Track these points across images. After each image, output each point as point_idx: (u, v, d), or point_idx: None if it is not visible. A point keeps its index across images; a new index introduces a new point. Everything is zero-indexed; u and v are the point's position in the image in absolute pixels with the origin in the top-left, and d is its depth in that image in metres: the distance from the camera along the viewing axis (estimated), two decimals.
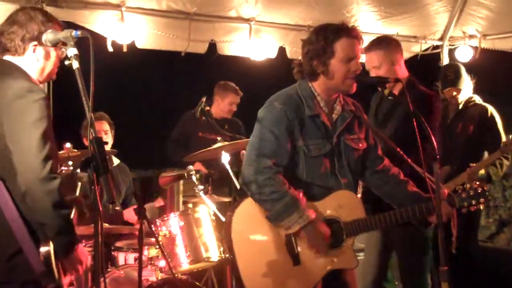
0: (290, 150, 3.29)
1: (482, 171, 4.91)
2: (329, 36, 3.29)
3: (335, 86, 3.36)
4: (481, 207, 3.45)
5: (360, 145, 3.48)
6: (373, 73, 4.12)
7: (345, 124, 3.42)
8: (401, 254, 4.26)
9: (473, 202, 3.38)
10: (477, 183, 3.42)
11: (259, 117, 3.36)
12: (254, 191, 3.25)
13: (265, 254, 3.28)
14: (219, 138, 4.97)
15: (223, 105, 6.36)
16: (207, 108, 5.91)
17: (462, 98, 5.29)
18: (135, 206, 5.14)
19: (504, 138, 5.14)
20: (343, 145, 3.41)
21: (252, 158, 3.28)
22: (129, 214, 5.19)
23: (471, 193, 3.38)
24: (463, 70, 5.32)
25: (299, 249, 3.28)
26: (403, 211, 3.35)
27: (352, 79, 3.33)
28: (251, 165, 3.26)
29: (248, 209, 3.34)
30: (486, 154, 5.17)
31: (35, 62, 3.02)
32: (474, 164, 4.80)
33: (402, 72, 4.20)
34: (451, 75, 5.30)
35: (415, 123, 3.23)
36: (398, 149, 3.50)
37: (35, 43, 2.99)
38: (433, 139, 3.17)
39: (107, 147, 5.21)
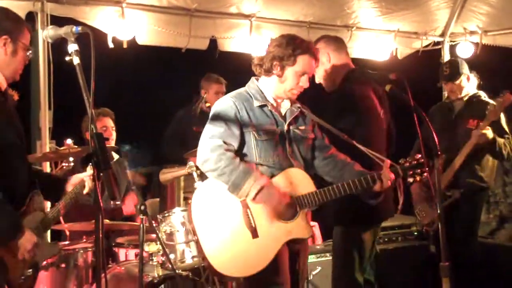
0: (241, 135, 3.61)
1: (490, 134, 4.95)
2: (297, 48, 3.63)
3: (282, 89, 3.69)
4: (424, 177, 3.62)
5: (308, 135, 3.81)
6: (316, 80, 4.30)
7: (294, 116, 3.75)
8: (335, 253, 4.33)
9: (417, 171, 3.61)
10: (419, 156, 3.60)
11: (213, 108, 3.70)
12: (211, 167, 3.54)
13: (225, 231, 3.53)
14: None
15: (209, 97, 6.38)
16: (208, 104, 5.97)
17: (465, 93, 5.30)
18: (132, 195, 5.14)
19: (507, 130, 5.15)
20: (292, 134, 3.73)
21: (205, 140, 3.59)
22: (127, 207, 5.17)
23: (414, 163, 3.62)
24: (461, 65, 5.32)
25: (256, 222, 3.53)
26: (350, 182, 3.58)
27: (298, 90, 3.68)
28: (205, 145, 3.57)
29: (204, 190, 3.64)
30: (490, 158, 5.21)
31: (2, 55, 3.15)
32: (479, 124, 4.94)
33: (342, 66, 4.25)
34: (447, 70, 5.34)
35: (415, 118, 3.26)
36: (344, 135, 3.73)
37: (6, 37, 3.13)
38: (435, 135, 3.19)
39: (112, 143, 5.21)
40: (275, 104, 3.74)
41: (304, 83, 3.68)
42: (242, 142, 3.63)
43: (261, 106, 3.69)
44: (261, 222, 3.54)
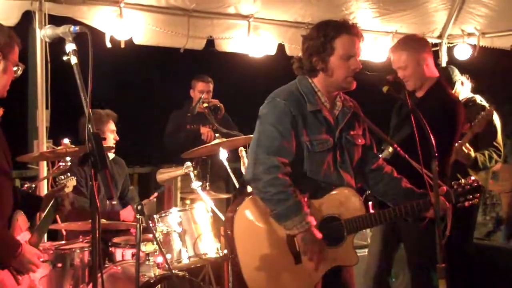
0: (295, 146, 3.29)
1: (472, 154, 4.91)
2: (329, 33, 3.28)
3: (335, 83, 3.36)
4: (476, 202, 3.47)
5: (360, 140, 3.48)
6: (400, 74, 4.16)
7: (346, 119, 3.42)
8: (411, 249, 4.30)
9: (469, 197, 3.41)
10: (472, 178, 3.45)
11: (262, 113, 3.36)
12: (259, 189, 3.25)
13: (266, 252, 3.29)
14: (217, 135, 4.99)
15: (194, 94, 6.45)
16: (206, 104, 6.00)
17: (461, 98, 5.30)
18: (131, 209, 5.16)
19: (500, 135, 5.14)
20: (344, 140, 3.41)
21: (259, 156, 3.26)
22: (126, 213, 5.17)
23: (467, 188, 3.40)
24: (453, 72, 5.30)
25: (300, 247, 3.28)
26: (402, 207, 3.37)
27: (352, 76, 3.32)
28: (259, 163, 3.24)
29: (250, 207, 3.34)
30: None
31: None
32: (460, 141, 4.84)
33: (431, 71, 4.24)
34: None
35: (413, 121, 3.24)
36: (395, 145, 3.54)
37: None
38: (432, 138, 3.17)
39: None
40: (328, 106, 3.39)
41: (356, 65, 3.30)
42: (295, 153, 3.30)
43: (315, 112, 3.33)
44: None
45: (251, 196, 3.34)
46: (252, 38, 6.55)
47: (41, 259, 3.17)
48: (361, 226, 3.35)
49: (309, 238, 3.21)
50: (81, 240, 4.34)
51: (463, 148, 4.80)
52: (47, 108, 5.43)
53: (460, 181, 3.47)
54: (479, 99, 5.32)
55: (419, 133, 3.22)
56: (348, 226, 3.32)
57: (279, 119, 3.27)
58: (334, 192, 3.35)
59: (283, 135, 3.25)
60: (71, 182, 3.69)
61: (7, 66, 3.06)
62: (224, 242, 4.45)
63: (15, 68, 3.12)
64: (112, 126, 5.36)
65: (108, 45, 5.75)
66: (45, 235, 5.26)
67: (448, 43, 7.64)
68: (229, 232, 3.33)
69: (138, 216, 3.70)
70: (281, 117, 3.27)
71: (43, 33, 2.81)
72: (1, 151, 3.10)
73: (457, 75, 5.31)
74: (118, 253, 4.42)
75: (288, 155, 3.26)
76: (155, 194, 5.28)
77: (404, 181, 3.52)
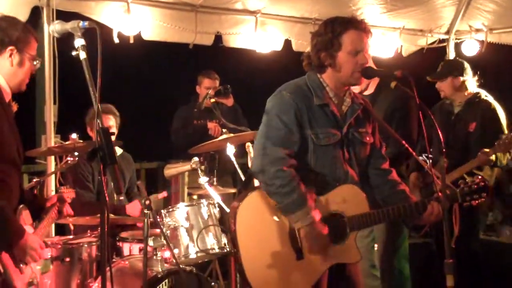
0: (300, 137, 3.29)
1: (492, 157, 4.90)
2: (336, 28, 3.30)
3: (343, 78, 3.36)
4: (482, 201, 3.46)
5: (368, 138, 3.48)
6: None
7: (355, 115, 3.42)
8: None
9: (475, 196, 3.40)
10: (479, 177, 3.44)
11: (268, 106, 3.37)
12: (264, 181, 3.27)
13: (268, 247, 3.29)
14: (224, 130, 4.99)
15: (200, 91, 6.48)
16: (213, 100, 5.99)
17: (453, 94, 5.29)
18: (137, 202, 5.17)
19: (506, 131, 5.12)
20: (351, 137, 3.41)
21: (264, 147, 3.28)
22: (132, 208, 5.17)
23: (474, 188, 3.38)
24: (457, 66, 5.28)
25: (302, 243, 3.28)
26: (406, 205, 3.36)
27: (360, 72, 3.33)
28: (264, 154, 3.26)
29: (254, 202, 3.34)
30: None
31: (8, 65, 3.09)
32: (487, 150, 4.82)
33: None
34: (440, 68, 5.34)
35: (421, 116, 3.24)
36: (404, 143, 3.52)
37: (12, 47, 3.07)
38: (440, 133, 3.18)
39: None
40: (336, 102, 3.39)
41: (363, 60, 3.31)
42: (299, 146, 3.30)
43: (322, 106, 3.33)
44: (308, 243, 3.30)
45: (255, 191, 3.35)
46: (259, 33, 6.56)
47: (48, 253, 3.19)
48: (365, 223, 3.35)
49: (312, 232, 3.23)
50: (89, 234, 4.36)
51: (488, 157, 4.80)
52: (54, 103, 5.45)
53: (466, 179, 3.47)
54: (484, 94, 5.30)
55: (420, 130, 3.23)
56: (351, 224, 3.32)
57: (283, 111, 3.29)
58: (338, 188, 3.35)
59: (288, 126, 3.26)
60: (71, 195, 3.72)
61: (22, 60, 3.11)
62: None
63: (35, 62, 3.17)
64: (109, 121, 5.25)
65: (116, 40, 5.76)
66: (53, 230, 5.30)
67: (456, 39, 7.64)
68: (232, 226, 3.34)
69: (145, 211, 3.71)
70: (286, 108, 3.29)
71: (52, 28, 2.82)
72: (15, 145, 3.13)
73: (458, 71, 5.28)
74: (125, 248, 4.44)
75: (292, 145, 3.27)
76: (164, 194, 5.29)
77: (407, 190, 3.52)
